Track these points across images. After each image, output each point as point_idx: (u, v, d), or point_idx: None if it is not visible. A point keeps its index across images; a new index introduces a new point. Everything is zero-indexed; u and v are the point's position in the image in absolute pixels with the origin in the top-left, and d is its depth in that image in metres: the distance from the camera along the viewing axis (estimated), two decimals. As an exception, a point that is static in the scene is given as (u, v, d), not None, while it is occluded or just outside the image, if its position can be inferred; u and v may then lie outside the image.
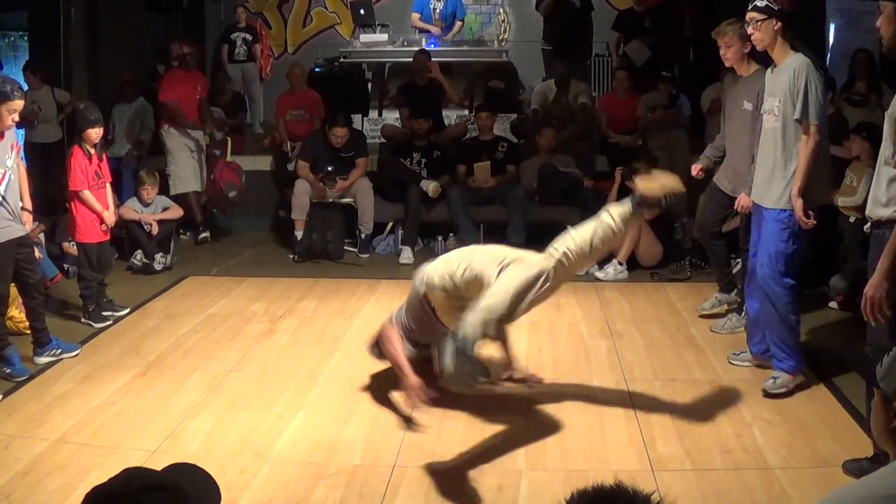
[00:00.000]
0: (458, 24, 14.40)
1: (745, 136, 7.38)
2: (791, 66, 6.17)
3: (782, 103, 6.21)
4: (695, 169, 8.00)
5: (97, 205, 8.18)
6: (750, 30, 6.31)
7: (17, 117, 6.85)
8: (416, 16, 14.39)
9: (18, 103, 6.81)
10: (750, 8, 6.28)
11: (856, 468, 5.10)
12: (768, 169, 6.39)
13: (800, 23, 6.42)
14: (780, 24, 6.18)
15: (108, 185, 8.41)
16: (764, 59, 7.16)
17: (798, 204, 6.12)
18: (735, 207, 7.47)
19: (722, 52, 7.38)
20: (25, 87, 7.11)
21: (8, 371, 6.89)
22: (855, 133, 8.73)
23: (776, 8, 6.17)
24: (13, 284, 7.22)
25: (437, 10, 14.27)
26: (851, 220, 8.55)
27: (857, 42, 10.63)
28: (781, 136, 6.26)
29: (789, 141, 6.23)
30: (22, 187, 7.20)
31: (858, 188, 8.45)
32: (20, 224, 7.05)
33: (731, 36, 7.27)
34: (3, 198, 6.84)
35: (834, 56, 12.49)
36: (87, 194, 8.11)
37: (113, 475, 2.35)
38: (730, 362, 7.00)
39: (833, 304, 8.48)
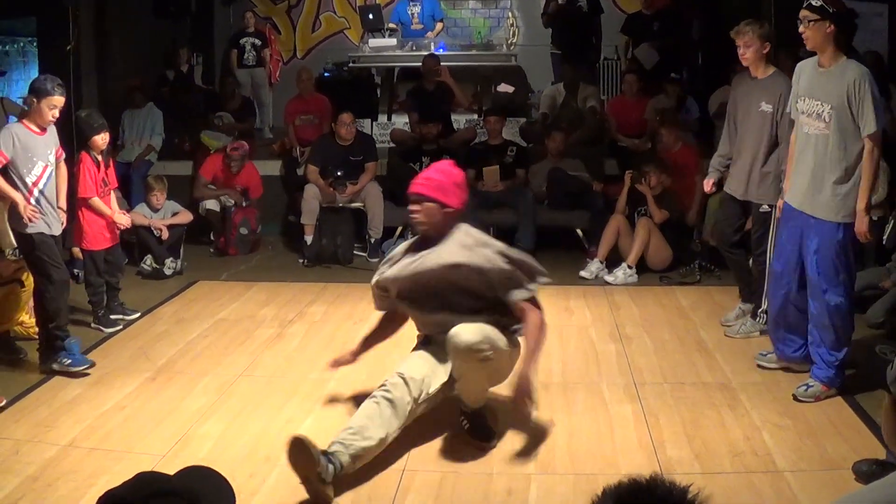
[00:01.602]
0: (439, 24, 14.50)
1: (762, 138, 7.36)
2: (847, 75, 6.00)
3: (835, 111, 6.03)
4: (707, 185, 7.98)
5: (107, 210, 8.20)
6: (801, 28, 6.10)
7: (56, 113, 7.01)
8: (391, 26, 14.43)
9: (59, 99, 7.00)
10: (805, 5, 6.09)
11: (864, 469, 5.08)
12: (812, 176, 6.23)
13: (854, 27, 6.23)
14: (833, 27, 5.99)
15: (112, 193, 8.43)
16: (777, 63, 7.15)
17: (865, 220, 6.02)
18: (772, 210, 7.40)
19: (741, 51, 7.31)
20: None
21: (68, 362, 6.96)
22: None
23: (831, 10, 5.97)
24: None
25: (416, 14, 14.35)
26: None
27: (866, 44, 10.60)
28: (836, 147, 6.08)
29: (845, 152, 6.06)
30: (59, 187, 7.32)
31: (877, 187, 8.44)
32: (58, 221, 7.23)
33: (752, 36, 7.21)
34: (42, 192, 7.04)
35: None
36: (97, 201, 8.14)
37: (125, 480, 2.34)
38: (757, 364, 6.94)
39: None
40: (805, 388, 6.33)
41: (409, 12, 14.34)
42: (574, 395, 6.53)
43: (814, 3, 6.02)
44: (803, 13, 6.08)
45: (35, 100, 6.96)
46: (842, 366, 6.35)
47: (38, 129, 7.01)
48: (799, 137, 6.43)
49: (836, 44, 6.05)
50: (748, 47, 7.26)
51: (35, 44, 13.80)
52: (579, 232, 10.91)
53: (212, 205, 11.27)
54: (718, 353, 7.38)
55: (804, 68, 6.36)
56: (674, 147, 10.66)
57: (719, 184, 7.96)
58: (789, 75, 6.61)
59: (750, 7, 12.45)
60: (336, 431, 5.37)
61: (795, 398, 6.31)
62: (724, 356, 7.28)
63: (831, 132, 6.08)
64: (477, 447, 5.63)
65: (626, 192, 10.16)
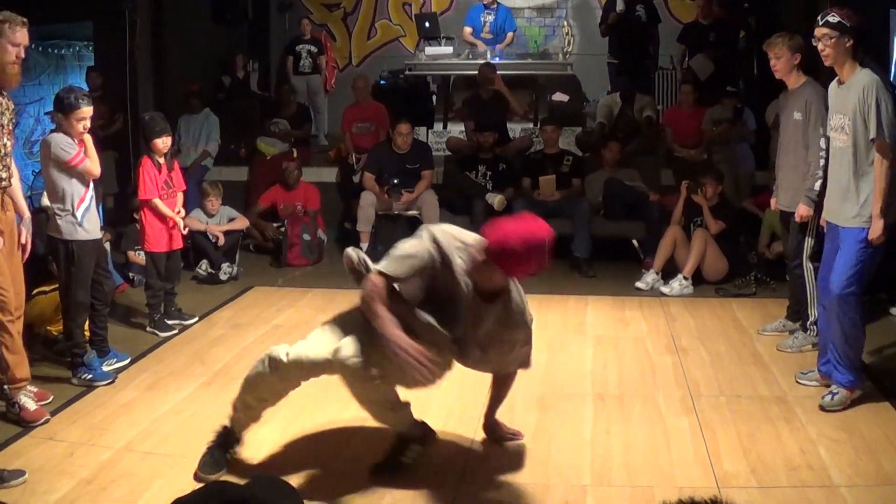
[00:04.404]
0: (510, 34, 14.53)
1: (797, 147, 7.40)
2: (860, 84, 6.05)
3: (852, 122, 6.10)
4: (773, 203, 7.99)
5: (168, 210, 8.25)
6: (820, 46, 6.15)
7: (87, 124, 6.91)
8: (467, 30, 14.55)
9: (87, 110, 6.86)
10: (821, 23, 6.12)
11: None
12: (841, 188, 6.29)
13: (869, 38, 6.30)
14: (852, 41, 6.04)
15: (179, 195, 8.48)
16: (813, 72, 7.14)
17: (879, 224, 6.05)
18: (796, 219, 7.38)
19: (772, 63, 7.42)
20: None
21: (89, 377, 6.97)
22: None
23: (849, 24, 6.01)
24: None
25: (488, 23, 14.44)
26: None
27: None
28: (853, 156, 6.15)
29: (861, 160, 6.13)
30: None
31: None
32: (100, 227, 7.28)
33: (781, 47, 7.30)
34: (89, 205, 7.01)
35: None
36: (158, 202, 8.17)
37: (195, 489, 2.34)
38: (797, 382, 6.89)
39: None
40: (830, 396, 6.33)
41: (482, 20, 14.40)
42: (630, 407, 6.50)
43: (830, 19, 6.07)
44: (821, 31, 6.12)
45: (62, 115, 6.88)
46: (860, 368, 6.40)
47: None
48: (831, 153, 6.50)
49: (853, 57, 6.12)
50: (778, 59, 7.36)
51: (91, 48, 13.91)
52: (635, 242, 10.89)
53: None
54: (774, 366, 7.32)
55: (833, 84, 6.43)
56: None
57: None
58: None
59: (808, 16, 12.39)
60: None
61: (822, 409, 6.30)
62: (780, 369, 7.22)
63: (850, 144, 6.16)
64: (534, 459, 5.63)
65: (682, 203, 10.12)
